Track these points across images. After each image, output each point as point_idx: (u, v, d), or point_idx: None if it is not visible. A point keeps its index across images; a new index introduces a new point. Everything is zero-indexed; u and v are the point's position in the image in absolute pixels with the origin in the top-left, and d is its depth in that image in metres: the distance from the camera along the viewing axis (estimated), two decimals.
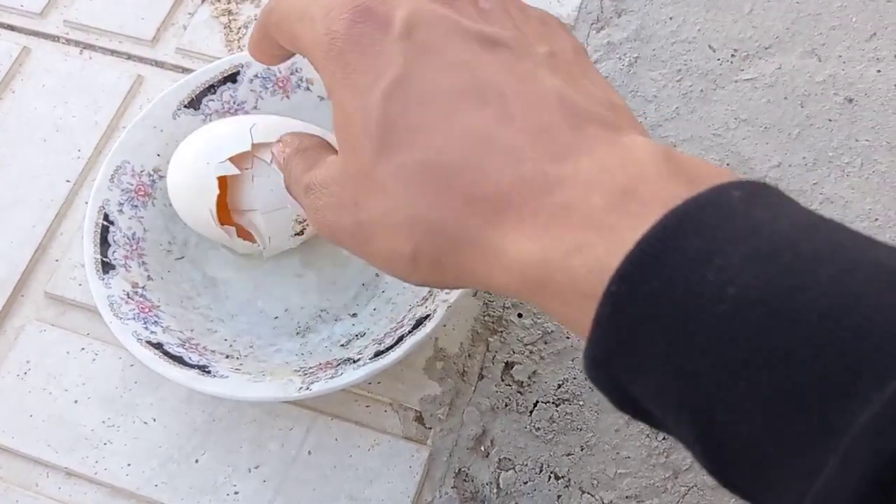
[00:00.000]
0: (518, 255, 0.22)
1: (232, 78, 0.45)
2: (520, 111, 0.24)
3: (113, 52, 0.53)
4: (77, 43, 0.54)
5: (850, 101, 0.49)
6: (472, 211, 0.23)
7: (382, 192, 0.25)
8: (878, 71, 0.49)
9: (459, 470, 0.40)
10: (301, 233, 0.42)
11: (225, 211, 0.41)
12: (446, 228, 0.24)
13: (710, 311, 0.18)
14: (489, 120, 0.24)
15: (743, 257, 0.19)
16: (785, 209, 0.20)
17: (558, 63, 0.26)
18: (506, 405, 0.42)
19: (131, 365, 0.43)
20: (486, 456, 0.41)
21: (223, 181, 0.40)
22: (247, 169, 0.40)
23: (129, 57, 0.53)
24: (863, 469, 0.16)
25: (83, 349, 0.44)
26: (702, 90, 0.49)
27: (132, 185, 0.43)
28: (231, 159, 0.39)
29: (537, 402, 0.42)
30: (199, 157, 0.40)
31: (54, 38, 0.54)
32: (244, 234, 0.42)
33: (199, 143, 0.41)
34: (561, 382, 0.42)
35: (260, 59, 0.32)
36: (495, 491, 0.40)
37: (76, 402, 0.43)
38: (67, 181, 0.49)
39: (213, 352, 0.40)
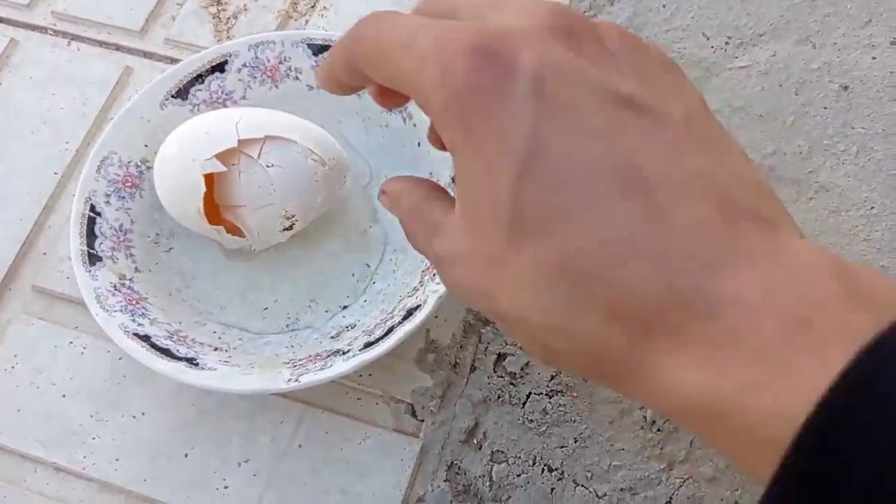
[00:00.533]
0: (679, 387, 0.20)
1: (220, 67, 0.44)
2: (668, 203, 0.21)
3: (101, 44, 0.53)
4: (65, 34, 0.53)
5: (846, 88, 0.48)
6: (619, 329, 0.21)
7: (516, 287, 0.22)
8: (874, 58, 0.49)
9: (452, 463, 0.40)
10: (290, 227, 0.41)
11: (213, 207, 0.41)
12: (590, 342, 0.21)
13: None
14: (634, 215, 0.21)
15: None
16: None
17: (697, 131, 0.23)
18: (498, 397, 0.41)
19: (120, 359, 0.43)
20: (479, 448, 0.40)
21: (210, 178, 0.39)
22: (233, 165, 0.39)
23: (118, 48, 0.53)
24: None
25: (71, 343, 0.43)
26: (696, 78, 0.49)
27: (119, 175, 0.42)
28: (217, 156, 0.39)
29: (530, 393, 0.41)
30: (186, 154, 0.39)
31: (42, 30, 0.54)
32: (233, 229, 0.41)
33: (185, 139, 0.40)
34: (554, 374, 0.42)
35: (331, 89, 0.29)
36: (488, 484, 0.39)
37: (64, 396, 0.42)
38: (55, 174, 0.48)
39: (201, 344, 0.39)
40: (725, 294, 0.19)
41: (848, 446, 0.17)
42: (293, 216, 0.41)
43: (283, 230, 0.41)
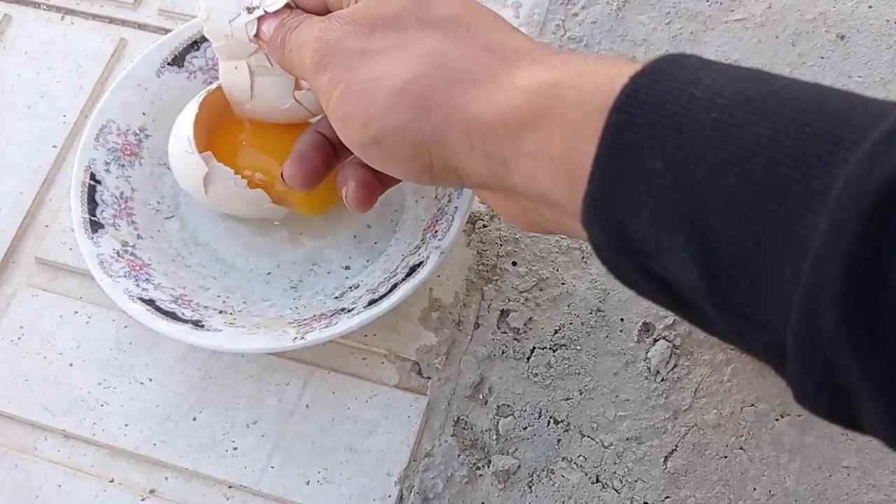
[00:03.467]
0: (529, 82, 0.25)
1: None
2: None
3: (94, 17, 0.53)
4: (58, 8, 0.53)
5: (842, 37, 0.48)
6: (490, 56, 0.27)
7: (404, 29, 0.29)
8: (870, 6, 0.48)
9: (458, 418, 0.40)
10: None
11: (202, 133, 0.40)
12: (459, 63, 0.27)
13: (702, 118, 0.21)
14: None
15: (726, 78, 0.21)
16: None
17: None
18: (503, 352, 0.41)
19: (125, 326, 0.43)
20: (485, 403, 0.41)
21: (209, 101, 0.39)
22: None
23: (112, 20, 0.53)
24: (850, 215, 0.17)
25: (76, 312, 0.44)
26: (691, 32, 0.49)
27: (118, 144, 0.43)
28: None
29: (534, 348, 0.41)
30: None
31: (35, 5, 0.53)
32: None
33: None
34: (557, 328, 0.42)
35: None
36: (495, 437, 0.40)
37: (71, 365, 0.42)
38: (54, 146, 0.48)
39: (206, 307, 0.40)
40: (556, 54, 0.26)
41: (647, 111, 0.22)
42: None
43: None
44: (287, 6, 0.35)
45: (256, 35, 0.35)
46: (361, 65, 0.28)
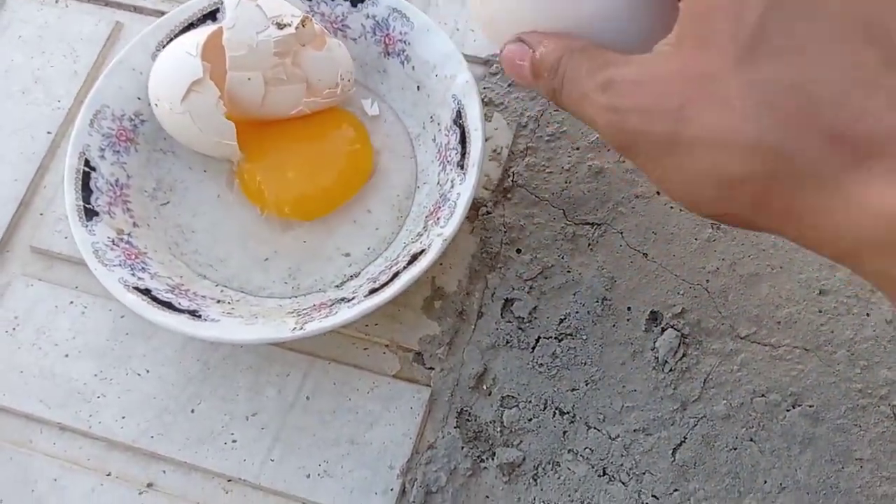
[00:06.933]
0: (883, 208, 0.21)
1: (212, 15, 0.43)
2: None
3: (89, 0, 0.52)
4: None
5: None
6: (836, 150, 0.22)
7: (726, 106, 0.23)
8: None
9: (462, 410, 0.39)
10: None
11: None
12: (797, 162, 0.22)
13: None
14: (876, 58, 0.22)
15: None
16: None
17: None
18: (507, 342, 0.41)
19: (122, 316, 0.42)
20: (489, 394, 0.40)
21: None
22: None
23: (107, 3, 0.51)
24: None
25: (72, 303, 0.43)
26: None
27: (113, 129, 0.42)
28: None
29: (539, 338, 0.41)
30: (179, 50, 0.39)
31: None
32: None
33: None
34: (563, 317, 0.41)
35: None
36: (499, 429, 0.39)
37: (67, 356, 0.41)
38: (48, 133, 0.47)
39: (203, 297, 0.39)
40: None
41: None
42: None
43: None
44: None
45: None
46: (672, 155, 0.24)
